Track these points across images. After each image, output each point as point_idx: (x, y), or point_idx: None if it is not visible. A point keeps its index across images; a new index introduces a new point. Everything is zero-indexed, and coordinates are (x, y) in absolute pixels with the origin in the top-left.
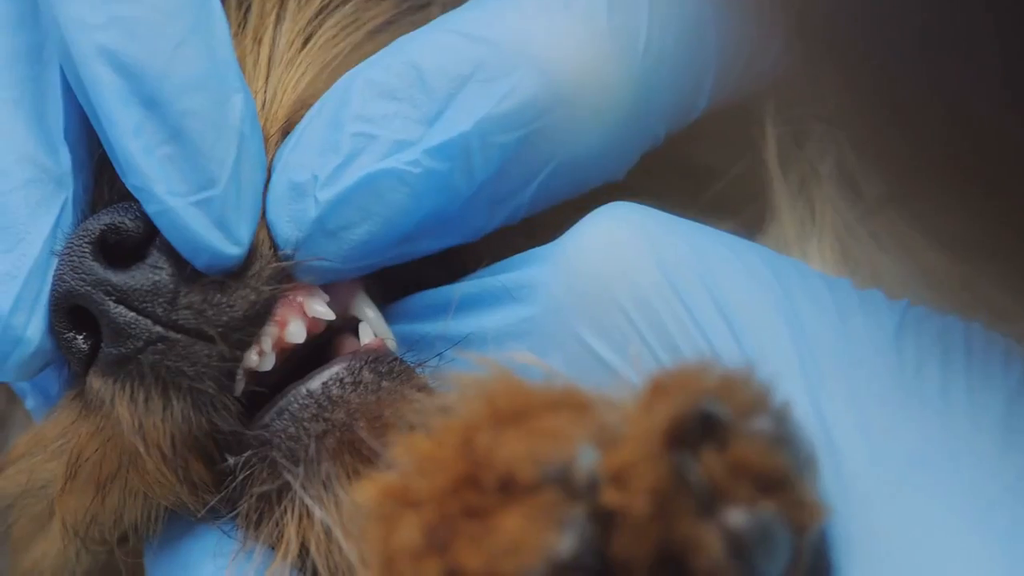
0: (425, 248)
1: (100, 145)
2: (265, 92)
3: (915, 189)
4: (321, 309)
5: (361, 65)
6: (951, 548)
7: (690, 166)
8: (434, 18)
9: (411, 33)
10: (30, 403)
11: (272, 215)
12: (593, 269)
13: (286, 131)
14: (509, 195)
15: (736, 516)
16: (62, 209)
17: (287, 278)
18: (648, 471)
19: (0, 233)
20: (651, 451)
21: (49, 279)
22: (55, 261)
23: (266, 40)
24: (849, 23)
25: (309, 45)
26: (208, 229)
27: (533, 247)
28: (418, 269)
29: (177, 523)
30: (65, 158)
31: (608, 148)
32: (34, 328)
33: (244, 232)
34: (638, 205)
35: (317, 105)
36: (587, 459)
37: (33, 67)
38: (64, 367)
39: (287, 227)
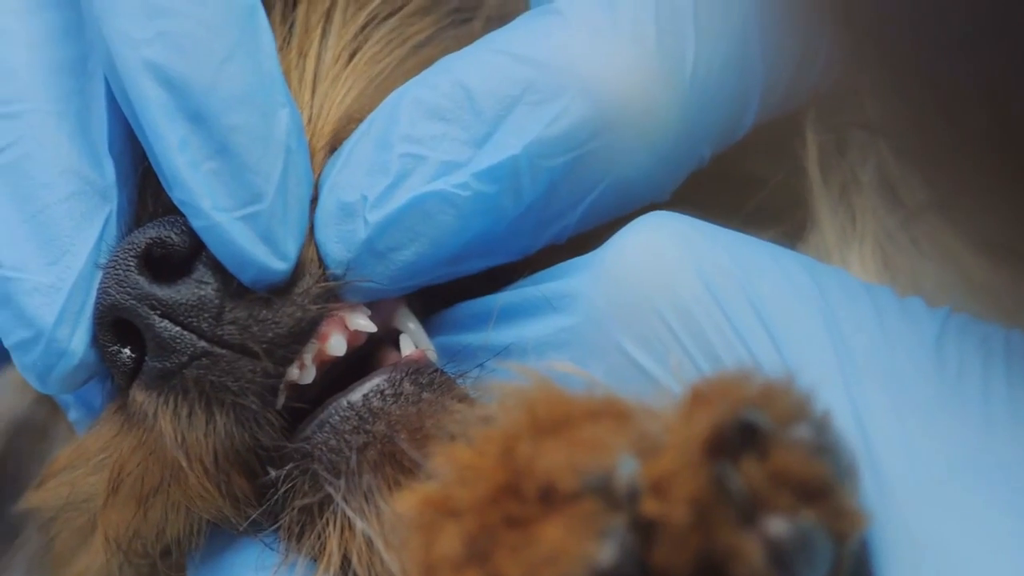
0: (471, 268)
1: (145, 158)
2: (311, 107)
3: (958, 194)
4: (363, 322)
5: (408, 84)
6: (994, 555)
7: (732, 175)
8: (476, 33)
9: (458, 52)
10: (73, 415)
11: (321, 235)
12: (634, 278)
13: (333, 146)
14: (556, 216)
15: (776, 525)
16: (106, 222)
17: (334, 297)
18: (688, 480)
19: (44, 246)
20: (691, 460)
21: (93, 292)
22: (99, 274)
23: (312, 55)
24: (896, 22)
25: (355, 60)
26: (254, 244)
27: (575, 257)
28: (459, 280)
29: (219, 536)
30: (110, 170)
31: (655, 170)
32: (78, 341)
33: (291, 247)
34: (678, 214)
35: (365, 124)
36: (627, 468)
37: (78, 79)
38: (107, 380)
39: (336, 248)
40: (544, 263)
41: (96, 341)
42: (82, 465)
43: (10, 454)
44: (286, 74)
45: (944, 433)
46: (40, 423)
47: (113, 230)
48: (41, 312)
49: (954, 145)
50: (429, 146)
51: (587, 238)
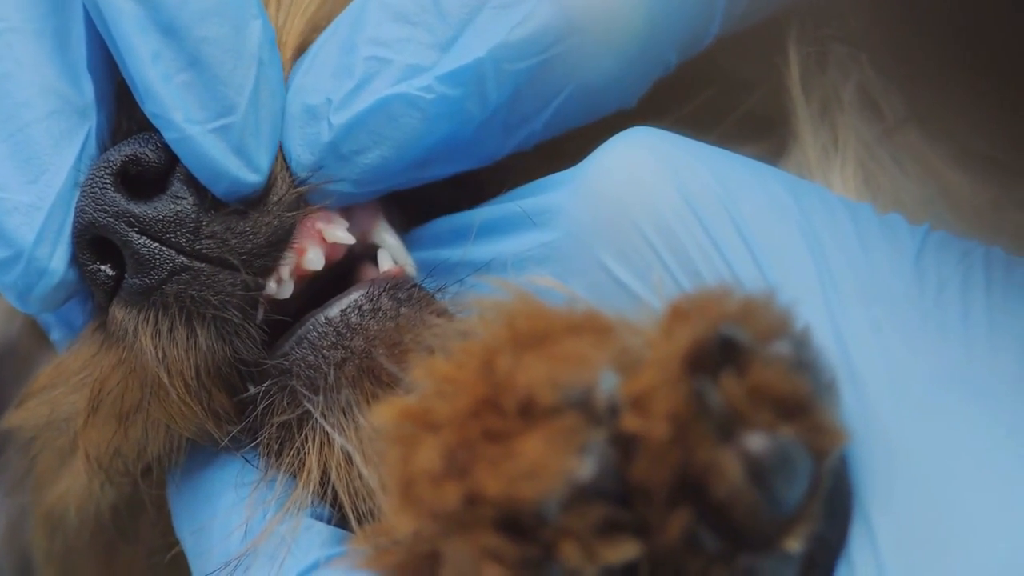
0: (438, 172)
1: (121, 75)
2: (276, 19)
3: (938, 108)
4: (341, 234)
5: None
6: (972, 471)
7: (713, 86)
8: None
9: None
10: (55, 335)
11: (286, 138)
12: (614, 194)
13: (298, 55)
14: (522, 121)
15: (755, 441)
16: (85, 140)
17: (306, 203)
18: (668, 396)
19: (23, 165)
20: (671, 376)
21: (72, 211)
22: (79, 192)
23: None
24: None
25: None
26: (227, 156)
27: (544, 165)
28: (439, 195)
29: (200, 454)
30: (88, 89)
31: (620, 75)
32: (58, 260)
33: (263, 159)
34: (659, 130)
35: (331, 27)
36: (608, 383)
37: None
38: (88, 300)
39: (300, 150)
40: (515, 172)
41: (76, 260)
42: (62, 384)
43: None
44: None
45: (924, 349)
46: (24, 350)
47: (92, 148)
48: (21, 231)
49: (926, 53)
50: (395, 49)
51: (555, 145)
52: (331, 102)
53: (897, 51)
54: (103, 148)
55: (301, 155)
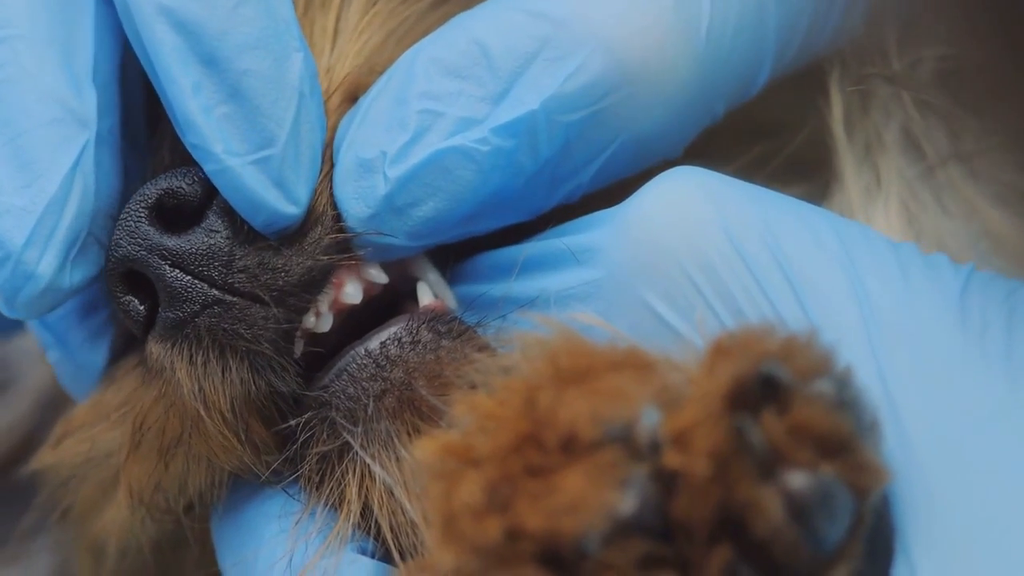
0: (486, 226)
1: (132, 89)
2: (331, 56)
3: (982, 146)
4: (374, 272)
5: (423, 42)
6: (1014, 511)
7: (758, 127)
8: None
9: (472, 10)
10: (51, 356)
11: (340, 192)
12: (658, 233)
13: (348, 93)
14: (571, 174)
15: (796, 479)
16: (83, 149)
17: (346, 248)
18: (709, 433)
19: (20, 169)
20: (712, 413)
21: (66, 217)
22: (72, 198)
23: (334, 4)
24: None
25: (375, 11)
26: (266, 188)
27: (598, 208)
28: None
29: (241, 488)
30: (91, 99)
31: (669, 126)
32: (46, 264)
33: (302, 191)
34: (703, 169)
35: (381, 81)
36: (649, 420)
37: (66, 8)
38: (112, 335)
39: (355, 204)
40: (558, 209)
41: (110, 293)
42: (102, 421)
43: (42, 428)
44: (310, 23)
45: (966, 390)
46: (72, 398)
47: (90, 157)
48: (11, 234)
49: (973, 88)
50: (446, 102)
51: (598, 198)
52: (386, 155)
53: (942, 87)
54: (143, 181)
55: (356, 208)
